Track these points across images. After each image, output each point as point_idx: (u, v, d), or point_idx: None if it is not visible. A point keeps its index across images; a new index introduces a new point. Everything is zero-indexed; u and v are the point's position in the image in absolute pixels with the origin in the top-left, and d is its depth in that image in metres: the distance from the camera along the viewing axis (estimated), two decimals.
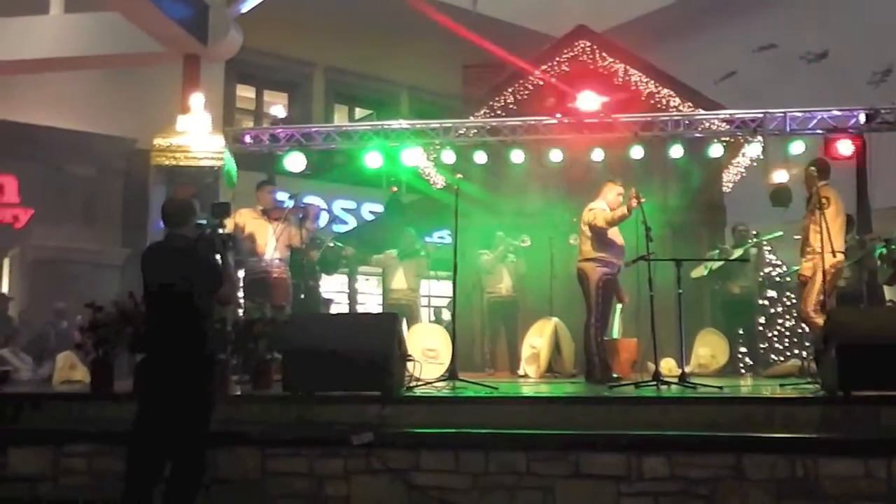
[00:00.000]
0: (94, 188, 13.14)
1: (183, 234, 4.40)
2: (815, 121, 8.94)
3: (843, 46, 14.01)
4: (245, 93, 16.10)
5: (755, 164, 10.55)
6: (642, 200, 6.55)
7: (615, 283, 7.24)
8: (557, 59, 11.40)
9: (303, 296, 8.16)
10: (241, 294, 7.94)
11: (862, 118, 8.83)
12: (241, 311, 7.39)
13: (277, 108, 14.55)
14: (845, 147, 8.57)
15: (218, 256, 4.44)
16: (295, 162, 9.25)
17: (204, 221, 4.61)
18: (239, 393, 6.04)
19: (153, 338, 4.29)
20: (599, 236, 7.10)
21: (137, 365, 4.39)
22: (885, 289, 8.33)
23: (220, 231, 4.62)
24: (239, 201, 8.55)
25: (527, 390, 6.74)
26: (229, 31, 10.96)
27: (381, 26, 15.86)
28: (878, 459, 4.21)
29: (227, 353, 6.05)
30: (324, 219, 13.67)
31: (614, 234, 7.15)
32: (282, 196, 8.60)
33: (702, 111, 10.10)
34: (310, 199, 8.85)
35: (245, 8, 11.03)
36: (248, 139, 9.56)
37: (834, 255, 6.10)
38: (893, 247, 7.63)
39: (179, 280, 4.24)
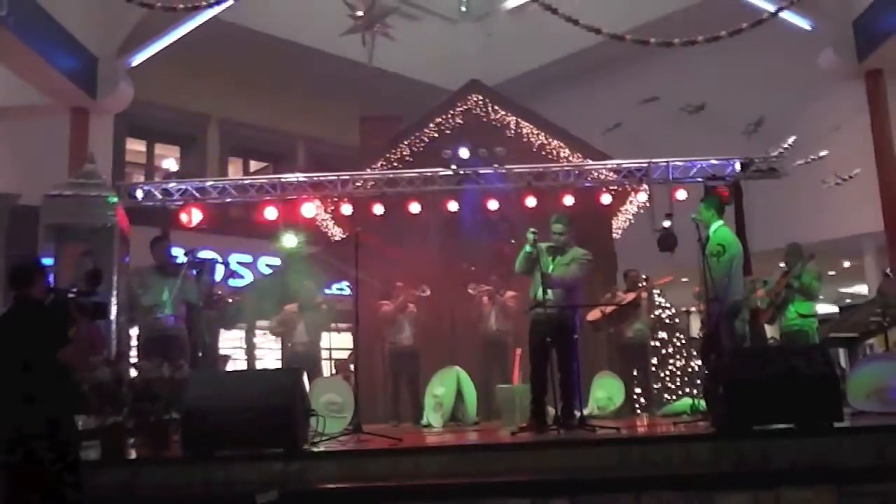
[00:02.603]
0: None
1: (29, 296, 4.30)
2: (695, 169, 9.45)
3: (720, 98, 14.88)
4: (136, 146, 15.74)
5: (642, 211, 11.00)
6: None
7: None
8: (451, 111, 11.70)
9: (200, 353, 7.98)
10: (134, 353, 7.71)
11: (737, 167, 9.39)
12: (134, 371, 7.16)
13: (170, 161, 14.32)
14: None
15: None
16: (189, 216, 9.10)
17: (74, 288, 4.52)
18: (135, 456, 5.83)
19: None
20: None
21: None
22: (766, 327, 8.79)
23: (87, 299, 4.48)
24: (133, 257, 8.34)
25: (432, 440, 6.76)
26: (119, 83, 10.79)
27: (277, 78, 15.88)
28: (767, 491, 4.42)
29: (121, 415, 5.85)
30: (220, 273, 13.42)
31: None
32: (176, 251, 8.43)
33: (591, 161, 10.51)
34: (205, 254, 8.68)
35: (136, 61, 10.89)
36: (139, 194, 9.38)
37: None
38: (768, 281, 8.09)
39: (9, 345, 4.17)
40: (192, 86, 15.28)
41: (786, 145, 9.50)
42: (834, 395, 5.09)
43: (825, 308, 18.12)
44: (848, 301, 19.30)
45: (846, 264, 17.28)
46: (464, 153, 9.44)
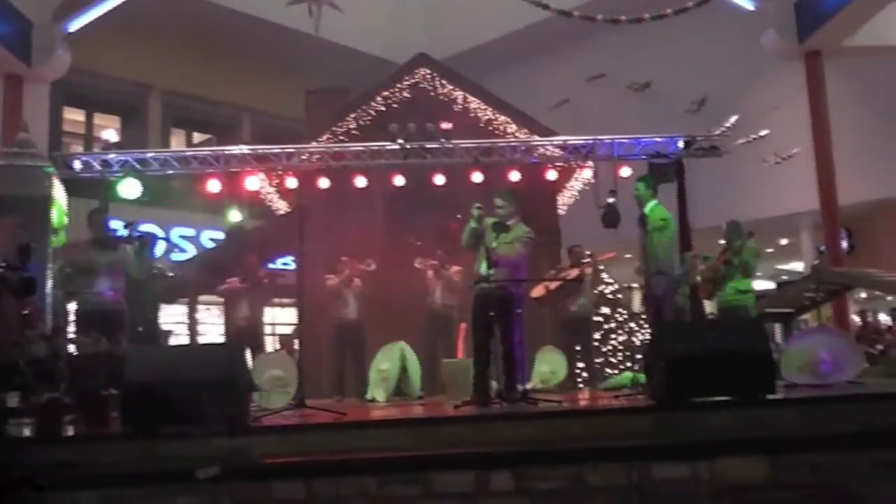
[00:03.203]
0: None
1: None
2: (639, 147, 9.57)
3: (665, 77, 15.07)
4: (74, 116, 15.33)
5: (587, 187, 11.11)
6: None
7: None
8: (398, 85, 11.63)
9: (140, 328, 7.84)
10: (72, 328, 7.54)
11: (681, 145, 9.53)
12: (72, 347, 7.01)
13: (109, 132, 13.94)
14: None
15: None
16: (129, 188, 8.92)
17: (3, 263, 4.40)
18: (73, 433, 5.72)
19: None
20: None
21: None
22: (706, 302, 8.98)
23: (15, 274, 4.36)
24: (70, 230, 8.14)
25: (376, 414, 6.77)
26: (55, 50, 10.47)
27: (221, 49, 15.59)
28: (703, 462, 4.53)
29: (58, 391, 5.73)
30: (161, 247, 13.19)
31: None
32: (116, 224, 8.25)
33: (537, 137, 10.56)
34: (146, 227, 8.52)
35: (73, 27, 10.57)
36: (77, 165, 9.14)
37: None
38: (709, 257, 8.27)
39: None
40: (134, 54, 14.91)
41: (728, 124, 9.67)
42: (768, 368, 5.22)
43: (762, 284, 18.64)
44: (784, 277, 19.84)
45: (783, 242, 17.74)
46: (410, 127, 9.41)
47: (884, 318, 14.25)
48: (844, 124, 12.46)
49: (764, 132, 10.80)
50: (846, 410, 5.09)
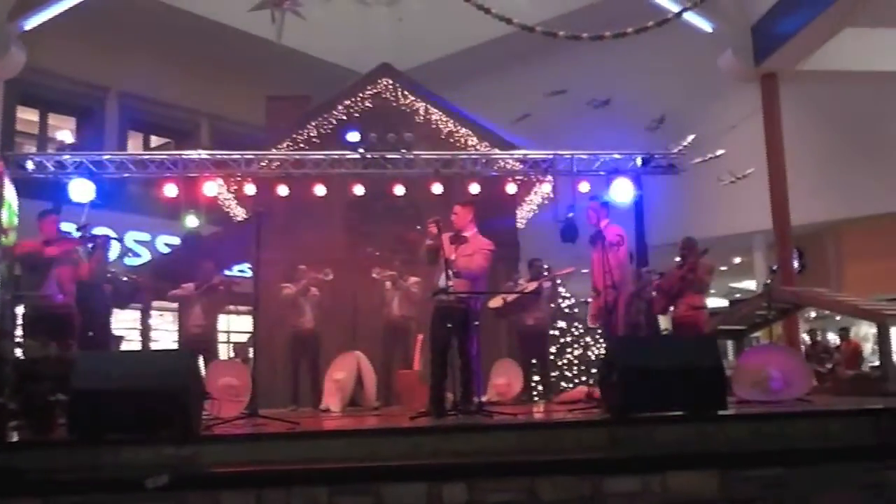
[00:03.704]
0: None
1: None
2: (598, 162, 9.66)
3: (625, 94, 15.26)
4: (28, 115, 15.02)
5: (546, 201, 11.18)
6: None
7: None
8: (361, 94, 11.61)
9: (91, 333, 7.69)
10: (20, 332, 7.37)
11: (639, 162, 9.64)
12: (19, 351, 6.84)
13: (64, 132, 13.74)
14: (624, 191, 9.30)
15: None
16: (83, 190, 8.76)
17: None
18: (17, 439, 5.58)
19: None
20: None
21: None
22: (660, 318, 9.07)
23: None
24: (21, 232, 7.95)
25: (329, 424, 6.71)
26: (10, 48, 10.27)
27: (182, 53, 15.42)
28: (655, 476, 4.57)
29: (3, 396, 5.59)
30: (115, 250, 12.97)
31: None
32: (69, 227, 8.09)
33: (498, 151, 10.61)
34: (100, 230, 8.36)
35: (29, 25, 10.38)
36: (30, 165, 8.96)
37: None
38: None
39: None
40: (92, 55, 14.68)
41: (685, 143, 9.82)
42: (720, 384, 5.29)
43: (716, 302, 18.94)
44: (737, 296, 20.19)
45: (737, 260, 18.03)
46: (354, 137, 9.38)
47: (832, 338, 14.54)
48: (798, 146, 12.73)
49: (720, 152, 11.00)
50: (795, 426, 5.19)
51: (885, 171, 14.51)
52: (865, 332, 14.42)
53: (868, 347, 13.94)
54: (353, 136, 9.48)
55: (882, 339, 8.91)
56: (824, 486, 4.56)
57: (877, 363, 10.72)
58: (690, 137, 9.83)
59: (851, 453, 4.73)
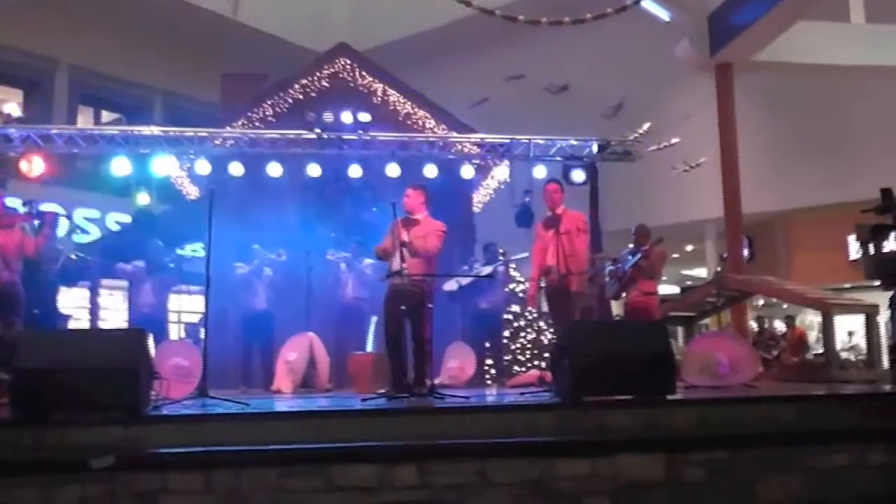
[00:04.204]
0: None
1: None
2: (555, 148, 9.70)
3: (583, 80, 15.34)
4: None
5: (503, 186, 11.20)
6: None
7: None
8: (318, 74, 11.47)
9: (37, 310, 7.53)
10: None
11: (595, 148, 9.71)
12: None
13: (11, 105, 13.33)
14: (578, 175, 9.39)
15: None
16: (31, 165, 8.54)
17: None
18: None
19: None
20: None
21: None
22: (612, 303, 9.18)
23: None
24: None
25: (280, 406, 6.67)
26: None
27: (135, 27, 15.09)
28: (603, 459, 4.62)
29: None
30: (63, 227, 12.69)
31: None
32: (14, 202, 7.89)
33: (455, 134, 10.59)
34: (47, 206, 8.16)
35: None
36: None
37: None
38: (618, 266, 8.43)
39: None
40: (40, 26, 14.30)
41: (641, 130, 9.89)
42: (669, 369, 5.36)
43: (667, 288, 19.20)
44: (688, 283, 20.51)
45: (689, 248, 18.29)
46: (328, 117, 9.31)
47: (779, 325, 14.85)
48: (751, 136, 12.94)
49: (675, 140, 11.10)
50: (741, 412, 5.29)
51: (834, 162, 14.80)
52: (811, 320, 14.77)
53: (813, 335, 14.27)
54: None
55: (826, 328, 9.12)
56: (769, 471, 4.66)
57: (821, 351, 10.99)
58: (646, 126, 9.90)
59: (796, 438, 4.83)
